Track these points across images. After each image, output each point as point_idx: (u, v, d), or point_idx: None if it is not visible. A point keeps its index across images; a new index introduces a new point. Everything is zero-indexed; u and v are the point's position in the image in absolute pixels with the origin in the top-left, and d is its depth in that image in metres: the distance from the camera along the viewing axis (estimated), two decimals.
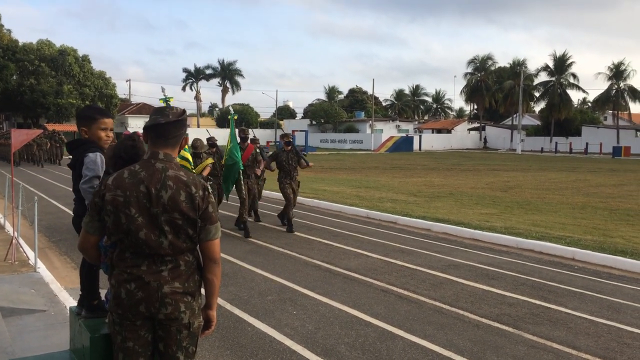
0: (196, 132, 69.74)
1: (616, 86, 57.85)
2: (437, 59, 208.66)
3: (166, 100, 8.21)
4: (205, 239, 2.63)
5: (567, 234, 10.23)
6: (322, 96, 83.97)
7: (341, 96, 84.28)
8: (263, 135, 69.64)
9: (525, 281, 7.16)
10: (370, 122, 66.36)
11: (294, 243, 9.21)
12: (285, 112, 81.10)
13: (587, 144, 52.53)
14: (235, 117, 10.84)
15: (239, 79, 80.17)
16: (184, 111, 2.69)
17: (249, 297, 6.19)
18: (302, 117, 79.05)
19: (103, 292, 3.20)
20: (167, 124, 2.61)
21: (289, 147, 10.65)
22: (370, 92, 76.55)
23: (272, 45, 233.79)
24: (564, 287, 6.94)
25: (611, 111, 60.25)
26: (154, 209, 2.53)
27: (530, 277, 7.39)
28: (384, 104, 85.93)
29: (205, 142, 11.10)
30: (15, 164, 26.97)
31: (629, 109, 58.91)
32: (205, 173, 9.85)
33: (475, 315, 5.70)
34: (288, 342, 4.86)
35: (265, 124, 79.67)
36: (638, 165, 34.32)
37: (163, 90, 9.07)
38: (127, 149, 2.97)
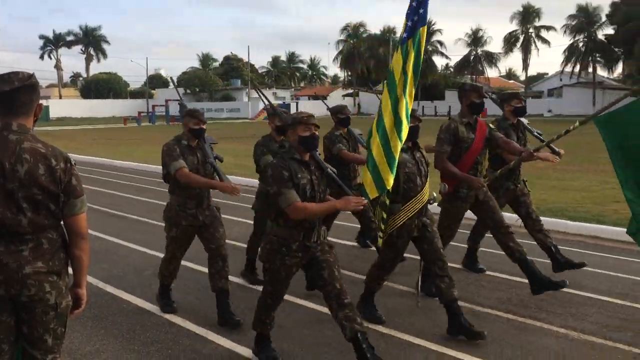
0: (59, 104, 64.72)
1: (474, 52, 62.24)
2: (316, 26, 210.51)
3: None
4: (69, 214, 2.51)
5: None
6: (196, 64, 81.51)
7: (216, 64, 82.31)
8: (134, 106, 66.43)
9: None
10: (247, 90, 65.70)
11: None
12: (157, 81, 77.68)
13: (450, 107, 56.20)
14: None
15: (105, 45, 75.30)
16: (30, 75, 2.50)
17: (124, 274, 6.00)
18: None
19: None
20: (12, 91, 2.42)
21: (516, 120, 5.72)
22: (246, 59, 75.50)
23: (145, 11, 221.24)
24: None
25: (470, 76, 64.80)
26: (10, 184, 2.36)
27: None
28: (260, 71, 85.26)
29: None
30: None
31: (486, 73, 63.80)
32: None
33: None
34: (167, 315, 4.80)
35: (136, 94, 75.79)
36: None
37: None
38: None
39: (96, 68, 79.75)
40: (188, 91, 68.17)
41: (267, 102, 4.85)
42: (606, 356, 4.09)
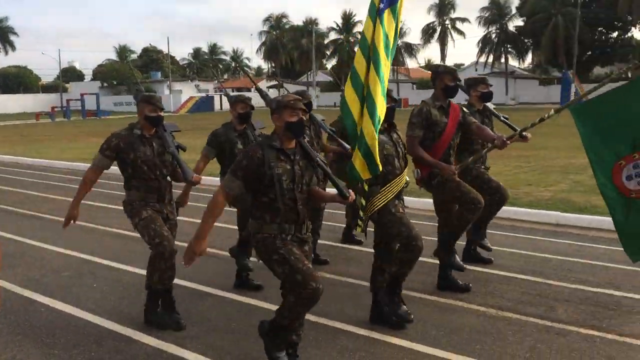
0: None
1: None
2: (238, 17, 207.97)
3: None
4: None
5: None
6: (113, 56, 78.34)
7: (134, 56, 79.48)
8: (47, 100, 63.00)
9: None
10: (168, 82, 63.93)
11: (83, 212, 8.61)
12: (71, 74, 74.04)
13: None
14: None
15: (13, 37, 70.87)
16: None
17: (40, 276, 5.69)
18: (92, 79, 73.05)
19: None
20: None
21: (482, 106, 5.62)
22: (166, 51, 73.39)
23: (57, 0, 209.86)
24: None
25: (391, 66, 66.28)
26: None
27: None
28: (181, 63, 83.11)
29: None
30: None
31: (407, 64, 65.56)
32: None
33: None
34: (89, 317, 4.61)
35: (49, 88, 72.04)
36: None
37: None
38: None
39: (4, 61, 75.17)
40: (105, 84, 65.48)
41: (226, 90, 4.92)
42: (522, 330, 4.33)
